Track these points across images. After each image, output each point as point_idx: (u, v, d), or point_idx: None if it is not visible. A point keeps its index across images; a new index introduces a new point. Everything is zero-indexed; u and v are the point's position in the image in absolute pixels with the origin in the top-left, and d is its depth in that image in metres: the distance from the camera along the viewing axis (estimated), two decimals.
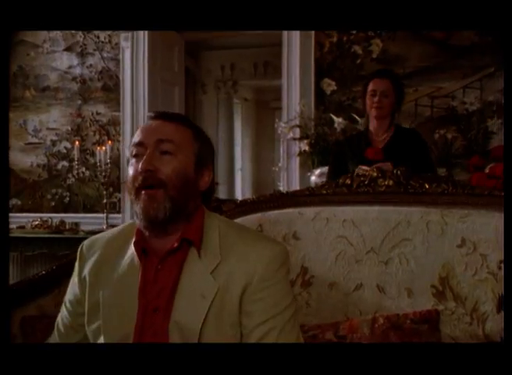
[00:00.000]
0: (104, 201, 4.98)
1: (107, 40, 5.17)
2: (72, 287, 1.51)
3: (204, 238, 1.40)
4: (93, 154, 5.15)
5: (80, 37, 5.24)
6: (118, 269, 1.42)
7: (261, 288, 1.33)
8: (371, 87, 3.21)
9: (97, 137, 5.20)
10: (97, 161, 4.94)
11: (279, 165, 4.82)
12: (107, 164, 4.90)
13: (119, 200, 5.13)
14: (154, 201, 1.35)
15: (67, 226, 4.98)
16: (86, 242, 1.53)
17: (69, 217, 5.12)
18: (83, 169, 5.19)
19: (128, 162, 1.44)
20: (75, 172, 5.16)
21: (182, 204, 1.38)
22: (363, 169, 2.30)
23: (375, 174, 1.82)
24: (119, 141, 5.12)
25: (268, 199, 1.94)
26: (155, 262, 1.39)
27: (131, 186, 1.38)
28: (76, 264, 1.51)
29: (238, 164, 9.12)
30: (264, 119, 9.81)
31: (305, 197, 1.90)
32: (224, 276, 1.34)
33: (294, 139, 4.36)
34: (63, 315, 1.52)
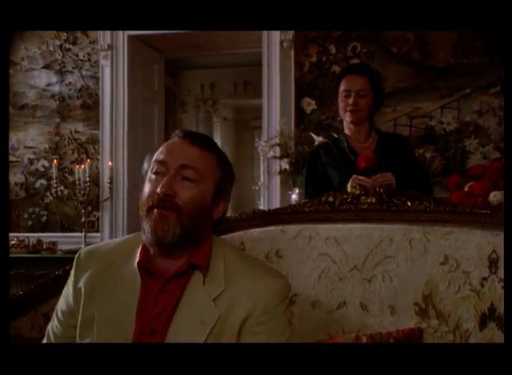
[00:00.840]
0: (83, 219, 4.93)
1: (86, 58, 5.15)
2: (66, 297, 1.47)
3: (211, 265, 1.39)
4: (71, 172, 5.10)
5: (59, 55, 5.21)
6: (117, 284, 1.39)
7: (262, 321, 1.34)
8: (343, 85, 2.66)
9: (76, 155, 5.15)
10: (76, 179, 4.90)
11: (259, 183, 4.82)
12: (86, 182, 4.86)
13: (98, 219, 5.08)
14: (165, 222, 1.34)
15: (44, 246, 4.91)
16: (84, 251, 1.50)
17: (47, 236, 5.04)
18: (62, 187, 5.13)
19: (145, 173, 1.42)
20: (53, 190, 5.09)
21: (191, 231, 1.37)
22: (360, 179, 2.20)
23: (357, 192, 1.82)
24: (98, 160, 5.08)
25: (250, 217, 1.93)
26: (158, 283, 1.37)
27: (145, 202, 1.37)
28: (72, 273, 1.47)
29: None
30: (244, 139, 9.84)
31: (288, 214, 1.88)
32: (226, 304, 1.34)
33: (275, 158, 4.37)
34: (54, 324, 1.48)
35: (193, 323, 1.32)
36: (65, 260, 2.90)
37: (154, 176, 1.38)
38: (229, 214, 1.82)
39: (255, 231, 1.88)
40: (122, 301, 1.37)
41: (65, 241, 4.99)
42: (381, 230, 1.73)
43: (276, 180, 4.51)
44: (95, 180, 5.03)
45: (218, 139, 9.25)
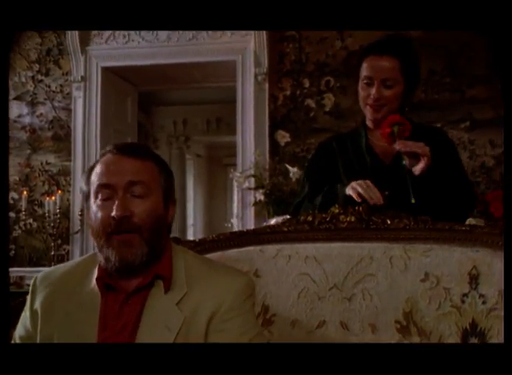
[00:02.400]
0: (52, 253, 4.82)
1: (58, 89, 5.13)
2: (24, 323, 1.44)
3: (173, 271, 1.38)
4: (41, 204, 5.01)
5: (31, 86, 5.18)
6: (74, 303, 1.37)
7: (228, 318, 1.32)
8: (365, 70, 1.98)
9: (47, 187, 5.07)
10: (46, 211, 4.81)
11: (232, 221, 4.81)
12: (56, 214, 4.77)
13: (68, 252, 4.97)
14: (131, 246, 1.33)
15: (11, 281, 4.78)
16: (40, 274, 1.48)
17: (14, 271, 4.90)
18: (31, 220, 5.03)
19: (85, 195, 1.38)
20: (22, 223, 4.99)
21: (156, 244, 1.36)
22: (357, 183, 1.83)
23: (336, 211, 1.81)
24: (69, 192, 5.01)
25: (228, 237, 1.90)
26: (120, 297, 1.35)
27: (101, 230, 1.33)
28: (28, 297, 1.44)
29: (190, 220, 9.06)
30: (217, 176, 9.85)
31: (266, 234, 1.86)
32: (190, 306, 1.33)
33: (249, 189, 4.36)
34: None
35: (158, 329, 1.30)
36: None
37: (101, 202, 1.34)
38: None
39: (233, 252, 1.85)
40: (81, 318, 1.35)
41: (33, 275, 4.81)
42: (361, 248, 1.71)
43: (251, 211, 4.50)
44: (66, 212, 4.94)
45: (190, 176, 9.24)
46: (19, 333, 1.45)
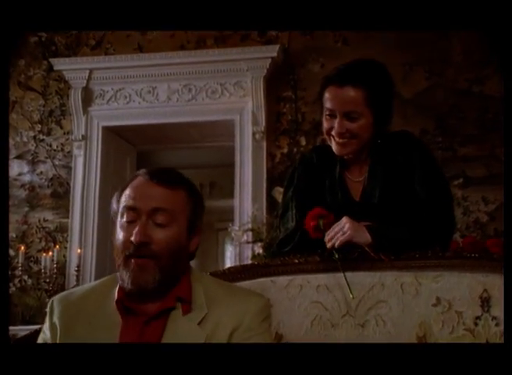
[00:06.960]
0: (47, 309, 4.74)
1: (59, 148, 5.22)
2: (42, 339, 1.45)
3: (192, 294, 1.40)
4: (37, 261, 4.99)
5: (32, 145, 5.27)
6: (95, 324, 1.38)
7: (247, 337, 1.37)
8: (327, 102, 1.83)
9: (43, 244, 5.07)
10: (42, 268, 4.79)
11: None
12: (52, 270, 4.75)
13: None
14: (145, 271, 1.34)
15: None
16: (57, 296, 1.50)
17: None
18: (26, 277, 4.99)
19: (114, 215, 1.42)
20: (17, 280, 4.95)
21: (171, 272, 1.38)
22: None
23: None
24: (65, 248, 5.00)
25: (239, 270, 1.92)
26: (141, 319, 1.36)
27: (120, 252, 1.36)
28: (46, 319, 1.46)
29: None
30: (208, 241, 9.80)
31: (277, 266, 1.89)
32: (211, 325, 1.35)
33: (248, 242, 4.39)
34: None
35: None
36: None
37: (126, 224, 1.37)
38: None
39: (244, 283, 1.87)
40: (101, 340, 1.34)
41: (25, 334, 4.76)
42: (372, 276, 1.75)
43: None
44: (61, 268, 4.92)
45: None
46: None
